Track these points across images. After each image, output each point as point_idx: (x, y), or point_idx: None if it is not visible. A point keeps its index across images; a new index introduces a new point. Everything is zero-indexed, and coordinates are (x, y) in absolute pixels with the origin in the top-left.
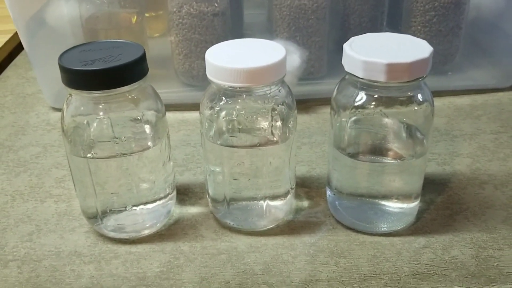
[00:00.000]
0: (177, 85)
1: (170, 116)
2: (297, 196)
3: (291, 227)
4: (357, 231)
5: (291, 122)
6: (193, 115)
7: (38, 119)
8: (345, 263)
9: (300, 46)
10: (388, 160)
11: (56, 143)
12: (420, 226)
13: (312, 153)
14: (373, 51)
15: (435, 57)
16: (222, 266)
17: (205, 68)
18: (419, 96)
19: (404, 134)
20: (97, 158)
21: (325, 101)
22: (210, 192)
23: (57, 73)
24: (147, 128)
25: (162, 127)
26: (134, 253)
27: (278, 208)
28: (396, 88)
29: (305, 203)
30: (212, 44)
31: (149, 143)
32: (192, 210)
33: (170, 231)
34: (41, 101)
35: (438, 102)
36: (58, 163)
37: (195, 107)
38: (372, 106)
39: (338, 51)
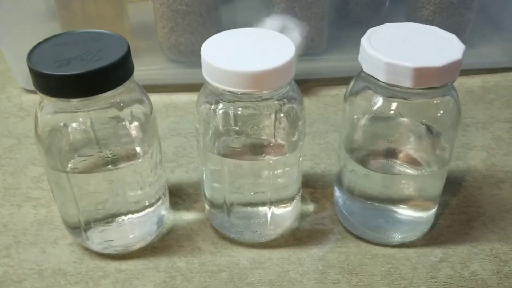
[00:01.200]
0: (162, 60)
1: (156, 99)
2: (302, 199)
3: (296, 236)
4: (368, 242)
5: (300, 126)
6: (182, 97)
7: (10, 103)
8: (358, 281)
9: (299, 19)
10: (404, 168)
11: (32, 133)
12: (435, 234)
13: (315, 145)
14: (396, 50)
15: None
16: (223, 287)
17: (193, 42)
18: (446, 101)
19: (425, 142)
20: (78, 173)
21: (326, 81)
22: (207, 194)
23: (28, 49)
24: (134, 132)
25: (152, 129)
26: (125, 271)
27: (285, 216)
28: (422, 93)
29: (311, 207)
30: (202, 17)
31: (138, 149)
32: (187, 216)
33: (163, 243)
34: (12, 81)
35: None
36: (35, 158)
37: (183, 88)
38: (392, 111)
39: (339, 22)
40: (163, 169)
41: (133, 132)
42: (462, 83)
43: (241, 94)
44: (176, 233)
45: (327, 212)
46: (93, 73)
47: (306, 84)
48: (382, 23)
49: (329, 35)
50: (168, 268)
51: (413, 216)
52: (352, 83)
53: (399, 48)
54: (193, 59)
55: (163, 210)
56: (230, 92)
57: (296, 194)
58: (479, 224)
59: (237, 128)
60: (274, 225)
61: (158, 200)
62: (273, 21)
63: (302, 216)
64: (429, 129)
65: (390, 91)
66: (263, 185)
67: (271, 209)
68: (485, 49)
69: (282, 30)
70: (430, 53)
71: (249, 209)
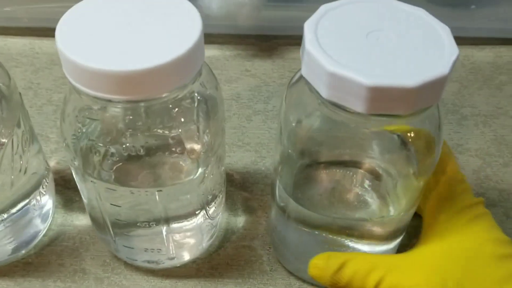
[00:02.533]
0: None
1: (18, 43)
2: (231, 207)
3: (212, 264)
4: (303, 281)
5: (216, 136)
6: None
7: None
8: None
9: None
10: (361, 191)
11: None
12: None
13: (265, 129)
14: (352, 51)
15: None
16: None
17: None
18: (418, 130)
19: (395, 156)
20: None
21: (299, 39)
22: (85, 202)
23: None
24: None
25: (13, 106)
26: None
27: (193, 236)
28: (381, 121)
29: (240, 221)
30: None
31: None
32: (81, 220)
33: (41, 258)
34: None
35: None
36: None
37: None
38: (340, 133)
39: None
40: (41, 156)
41: None
42: (469, 55)
43: (118, 102)
44: (60, 245)
45: (260, 230)
46: None
47: (271, 42)
48: None
49: None
50: None
51: (368, 251)
52: (297, 74)
53: (357, 46)
54: None
55: (42, 211)
56: (99, 99)
57: (210, 202)
58: None
59: (116, 141)
60: (176, 250)
61: (30, 194)
62: None
63: (227, 232)
64: (403, 141)
65: (338, 114)
66: (154, 206)
67: (168, 227)
68: (505, 8)
69: None
70: (403, 59)
71: (138, 231)
